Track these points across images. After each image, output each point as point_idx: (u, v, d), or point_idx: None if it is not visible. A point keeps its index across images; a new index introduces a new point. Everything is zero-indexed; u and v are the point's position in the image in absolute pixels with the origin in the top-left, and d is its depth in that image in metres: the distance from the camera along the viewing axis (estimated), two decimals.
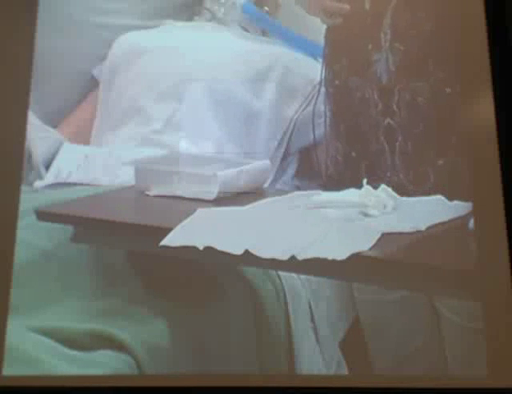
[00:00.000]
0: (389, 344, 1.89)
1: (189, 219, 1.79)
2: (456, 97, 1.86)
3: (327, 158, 1.97)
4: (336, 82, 1.93)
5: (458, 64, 1.87)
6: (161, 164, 1.99)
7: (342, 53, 1.93)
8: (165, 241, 1.74)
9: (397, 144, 1.85)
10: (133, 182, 1.94)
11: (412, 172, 1.84)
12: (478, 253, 1.74)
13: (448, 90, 1.85)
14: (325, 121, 1.99)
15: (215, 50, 2.21)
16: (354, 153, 1.89)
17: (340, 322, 1.95)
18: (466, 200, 1.80)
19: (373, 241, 1.68)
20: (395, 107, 1.85)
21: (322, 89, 2.02)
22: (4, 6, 1.99)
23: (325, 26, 2.00)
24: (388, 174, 1.85)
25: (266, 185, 1.99)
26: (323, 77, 1.99)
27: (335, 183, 1.92)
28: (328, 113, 1.97)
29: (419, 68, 1.85)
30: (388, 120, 1.85)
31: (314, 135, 2.01)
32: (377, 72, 1.86)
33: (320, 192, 1.91)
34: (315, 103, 2.01)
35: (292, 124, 2.12)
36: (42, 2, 2.06)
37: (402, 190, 1.82)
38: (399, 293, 1.86)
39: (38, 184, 2.05)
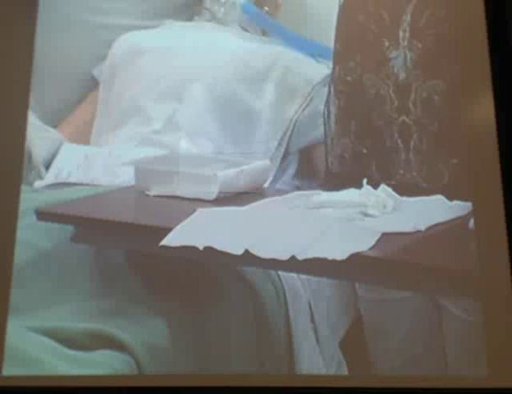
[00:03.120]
0: (392, 343, 1.88)
1: (189, 219, 1.79)
2: (460, 99, 1.86)
3: (332, 155, 1.96)
4: (348, 79, 1.92)
5: (458, 64, 1.87)
6: (161, 164, 1.99)
7: (357, 50, 1.92)
8: (165, 241, 1.74)
9: (412, 141, 1.84)
10: (133, 182, 1.94)
11: (426, 170, 1.84)
12: (478, 253, 1.74)
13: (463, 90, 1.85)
14: (329, 119, 1.98)
15: (215, 50, 2.21)
16: (365, 150, 1.89)
17: (340, 322, 1.95)
18: (466, 200, 1.80)
19: (373, 241, 1.68)
20: (411, 104, 1.85)
21: (322, 90, 2.02)
22: (4, 6, 1.99)
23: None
24: (401, 171, 1.85)
25: (266, 185, 1.99)
26: (331, 75, 1.98)
27: (341, 181, 1.92)
28: (335, 111, 1.96)
29: (437, 66, 1.85)
30: (403, 117, 1.85)
31: (326, 132, 2.00)
32: (394, 69, 1.86)
33: (320, 192, 1.91)
34: (326, 101, 2.00)
35: (292, 124, 2.12)
36: (42, 2, 2.06)
37: (415, 188, 1.82)
38: (402, 292, 1.86)
39: (38, 184, 2.05)
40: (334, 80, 1.97)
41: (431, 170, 1.84)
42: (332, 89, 1.98)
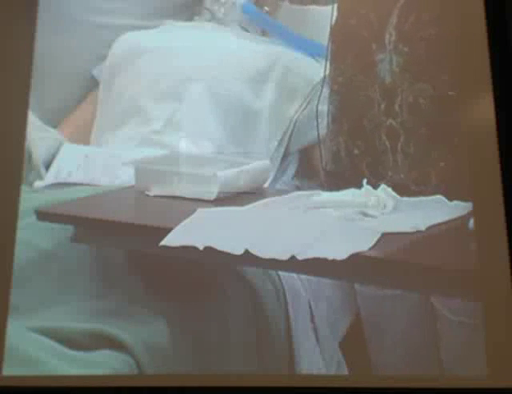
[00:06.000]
0: (389, 338, 1.89)
1: (189, 219, 1.79)
2: (458, 99, 1.86)
3: (328, 154, 1.97)
4: (341, 79, 1.93)
5: (458, 64, 1.87)
6: (161, 164, 1.99)
7: (347, 52, 1.92)
8: (165, 241, 1.74)
9: (399, 144, 1.85)
10: (133, 182, 1.94)
11: (414, 173, 1.84)
12: (478, 253, 1.74)
13: (451, 93, 1.85)
14: (328, 117, 1.98)
15: (215, 50, 2.21)
16: (356, 151, 1.89)
17: (340, 322, 1.95)
18: (466, 200, 1.80)
19: (373, 241, 1.68)
20: (397, 107, 1.85)
21: (325, 88, 2.02)
22: (4, 6, 1.99)
23: (326, 25, 2.00)
24: (390, 173, 1.85)
25: (266, 185, 1.99)
26: (327, 74, 1.99)
27: (334, 180, 1.92)
28: (331, 110, 1.97)
29: (423, 70, 1.85)
30: (390, 120, 1.85)
31: (318, 134, 2.01)
32: (381, 72, 1.86)
33: (320, 192, 1.91)
34: (318, 102, 2.01)
35: (292, 124, 2.12)
36: (42, 2, 2.06)
37: (404, 190, 1.82)
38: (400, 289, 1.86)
39: (38, 184, 2.05)
40: (330, 79, 1.98)
41: (418, 172, 1.84)
42: (328, 88, 1.98)
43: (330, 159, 1.95)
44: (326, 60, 1.99)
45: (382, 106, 1.86)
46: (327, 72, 1.99)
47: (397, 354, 1.87)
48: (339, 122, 1.94)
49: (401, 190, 1.82)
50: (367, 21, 1.89)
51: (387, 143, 1.86)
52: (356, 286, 1.92)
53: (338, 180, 1.90)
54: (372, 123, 1.87)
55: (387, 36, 1.86)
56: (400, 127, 1.85)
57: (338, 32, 1.97)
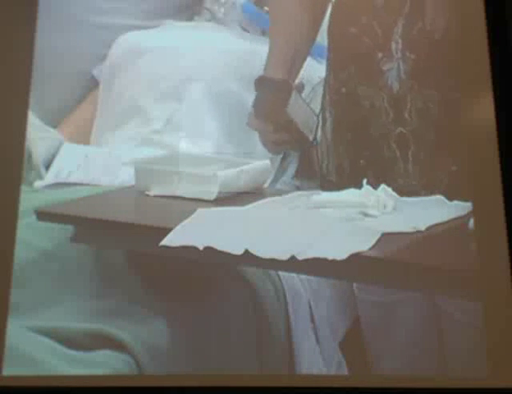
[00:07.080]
0: (390, 345, 1.89)
1: (189, 219, 1.79)
2: (459, 100, 1.85)
3: (329, 163, 1.96)
4: (343, 90, 1.92)
5: (458, 65, 1.87)
6: (161, 164, 1.99)
7: (350, 62, 1.91)
8: (165, 241, 1.74)
9: (410, 152, 1.84)
10: (133, 182, 1.94)
11: (425, 179, 1.83)
12: (478, 253, 1.74)
13: (458, 95, 1.85)
14: (323, 126, 1.97)
15: (215, 50, 2.21)
16: (362, 161, 1.89)
17: (340, 322, 1.95)
18: (466, 200, 1.80)
19: (373, 241, 1.68)
20: (406, 115, 1.84)
21: (321, 90, 2.01)
22: (4, 6, 1.99)
23: (326, 25, 2.00)
24: (401, 182, 1.84)
25: (266, 185, 1.99)
26: (326, 82, 1.98)
27: (338, 189, 1.91)
28: (331, 119, 1.96)
29: (430, 76, 1.84)
30: (400, 128, 1.84)
31: (316, 137, 2.00)
32: (389, 81, 1.85)
33: (320, 192, 1.91)
34: (322, 107, 2.00)
35: None
36: (42, 2, 2.06)
37: (414, 196, 1.82)
38: (400, 295, 1.86)
39: (38, 184, 2.05)
40: (329, 87, 1.97)
41: (430, 178, 1.84)
42: (328, 96, 1.97)
43: (333, 169, 1.94)
44: (327, 68, 1.98)
45: (391, 114, 1.85)
46: (327, 80, 1.98)
47: (399, 358, 1.87)
48: (341, 133, 1.93)
49: (412, 196, 1.82)
50: (369, 30, 1.88)
51: (397, 151, 1.85)
52: (356, 292, 1.92)
53: (341, 190, 1.88)
54: (380, 133, 1.86)
55: (394, 45, 1.85)
56: (411, 135, 1.84)
57: (338, 41, 1.96)
